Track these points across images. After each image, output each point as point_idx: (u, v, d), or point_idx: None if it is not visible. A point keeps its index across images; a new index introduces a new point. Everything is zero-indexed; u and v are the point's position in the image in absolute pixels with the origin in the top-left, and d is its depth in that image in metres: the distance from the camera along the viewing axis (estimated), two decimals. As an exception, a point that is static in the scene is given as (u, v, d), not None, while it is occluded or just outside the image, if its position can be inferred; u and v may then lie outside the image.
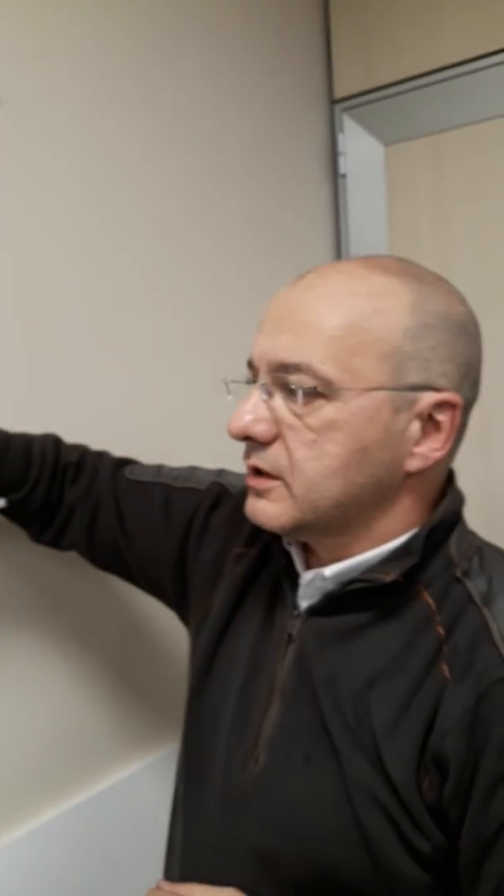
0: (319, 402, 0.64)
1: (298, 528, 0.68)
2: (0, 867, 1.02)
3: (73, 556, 0.99)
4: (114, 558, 0.93)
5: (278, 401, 0.66)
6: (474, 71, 1.48)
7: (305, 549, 0.74)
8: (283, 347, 0.65)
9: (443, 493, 0.72)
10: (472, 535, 0.73)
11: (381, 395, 0.64)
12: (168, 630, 1.21)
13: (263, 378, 0.67)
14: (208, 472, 0.94)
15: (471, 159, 1.50)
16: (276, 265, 1.51)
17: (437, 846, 0.62)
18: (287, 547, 0.75)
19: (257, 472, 0.69)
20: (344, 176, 1.65)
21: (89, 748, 1.16)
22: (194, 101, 1.35)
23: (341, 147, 1.65)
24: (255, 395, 0.67)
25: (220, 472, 0.93)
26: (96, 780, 1.17)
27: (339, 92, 1.65)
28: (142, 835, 1.18)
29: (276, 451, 0.66)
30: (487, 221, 1.49)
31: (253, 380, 0.69)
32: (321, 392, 0.63)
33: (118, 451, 0.99)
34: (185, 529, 0.88)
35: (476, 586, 0.66)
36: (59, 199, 1.11)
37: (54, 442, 0.92)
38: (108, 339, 1.18)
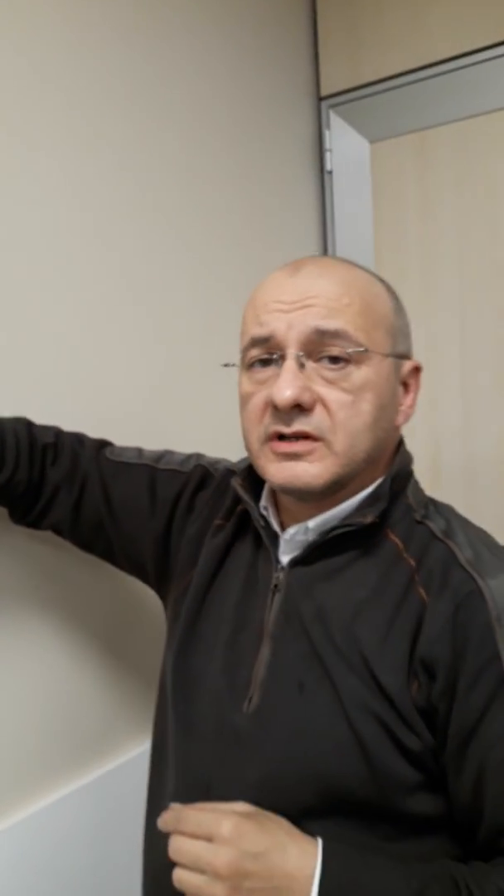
0: (350, 368, 0.73)
1: (335, 483, 0.74)
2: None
3: (57, 539, 0.98)
4: (96, 537, 0.96)
5: (310, 370, 0.73)
6: (459, 68, 1.50)
7: (278, 512, 0.83)
8: (320, 318, 0.72)
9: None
10: (422, 490, 0.84)
11: (389, 360, 0.76)
12: (156, 626, 1.20)
13: (293, 349, 0.73)
14: (186, 455, 0.98)
15: (455, 155, 1.51)
16: (264, 258, 1.52)
17: (427, 744, 0.70)
18: (263, 512, 0.82)
19: (298, 437, 0.74)
20: (330, 172, 1.66)
21: (85, 734, 1.16)
22: (182, 98, 1.35)
23: (328, 143, 1.66)
24: (291, 366, 0.72)
25: (200, 456, 0.97)
26: (92, 765, 1.17)
27: (326, 89, 1.66)
28: (137, 819, 1.18)
29: (319, 415, 0.73)
30: (471, 216, 1.50)
31: (272, 355, 0.75)
32: (354, 357, 0.73)
33: (106, 435, 1.00)
34: (171, 509, 0.92)
35: (437, 525, 0.78)
36: (52, 196, 1.11)
37: (26, 424, 0.93)
38: (100, 329, 1.18)
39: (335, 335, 0.72)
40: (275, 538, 0.81)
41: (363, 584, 0.75)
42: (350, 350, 0.72)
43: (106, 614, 1.19)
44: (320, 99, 1.67)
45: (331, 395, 0.73)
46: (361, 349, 0.72)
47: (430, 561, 0.74)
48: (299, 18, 1.65)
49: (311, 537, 0.78)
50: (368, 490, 0.78)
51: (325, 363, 0.73)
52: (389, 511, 0.77)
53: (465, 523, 0.80)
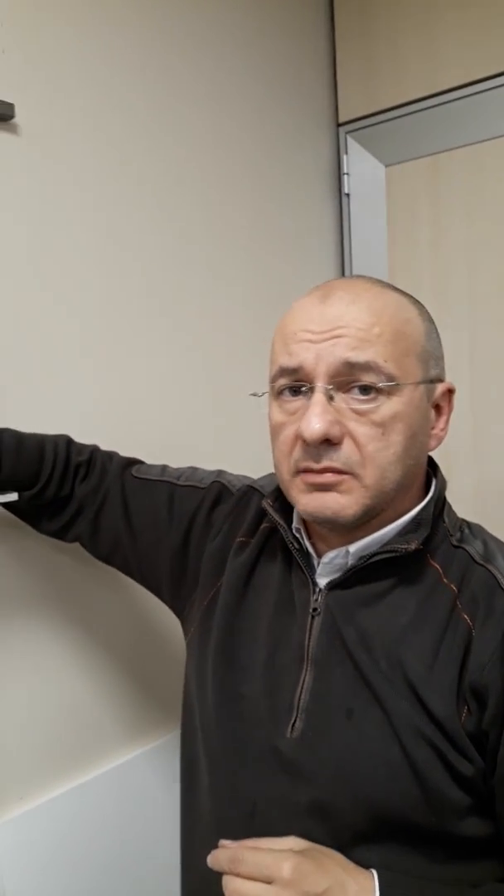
0: (380, 399, 0.72)
1: (365, 514, 0.74)
2: (6, 841, 1.10)
3: (80, 548, 1.06)
4: (114, 550, 1.01)
5: (339, 402, 0.72)
6: (471, 94, 1.56)
7: (309, 534, 0.83)
8: (349, 349, 0.71)
9: (425, 476, 0.83)
10: (454, 512, 0.84)
11: (421, 388, 0.75)
12: (171, 622, 1.28)
13: (323, 382, 0.72)
14: (208, 472, 1.01)
15: (468, 179, 1.57)
16: (284, 280, 1.60)
17: (478, 769, 0.71)
18: (297, 534, 0.82)
19: (327, 471, 0.73)
20: (348, 195, 1.73)
21: (92, 732, 1.24)
22: (205, 124, 1.44)
23: (345, 168, 1.73)
24: (321, 399, 0.72)
25: (220, 473, 1.01)
26: (98, 763, 1.24)
27: (344, 115, 1.73)
28: (140, 814, 1.26)
29: (347, 448, 0.72)
30: (483, 238, 1.56)
31: (301, 387, 0.74)
32: (382, 389, 0.72)
33: (136, 453, 1.07)
34: (189, 524, 0.95)
35: (474, 548, 0.78)
36: (73, 223, 1.20)
37: (66, 441, 1.00)
38: (124, 350, 1.27)
39: (365, 368, 0.71)
40: (308, 560, 0.81)
41: (404, 609, 0.75)
42: (381, 384, 0.71)
43: (113, 623, 1.26)
44: (338, 125, 1.74)
45: (360, 428, 0.72)
46: (393, 383, 0.71)
47: (472, 586, 0.75)
48: (319, 49, 1.73)
49: (350, 561, 0.78)
50: (410, 515, 0.77)
51: (355, 394, 0.72)
52: (430, 536, 0.77)
53: (501, 544, 0.80)
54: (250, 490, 0.94)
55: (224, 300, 1.47)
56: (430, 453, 0.82)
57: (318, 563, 0.80)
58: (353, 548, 0.77)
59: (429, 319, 0.78)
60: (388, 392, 0.72)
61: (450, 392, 0.79)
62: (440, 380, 0.78)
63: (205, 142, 1.44)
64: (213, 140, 1.45)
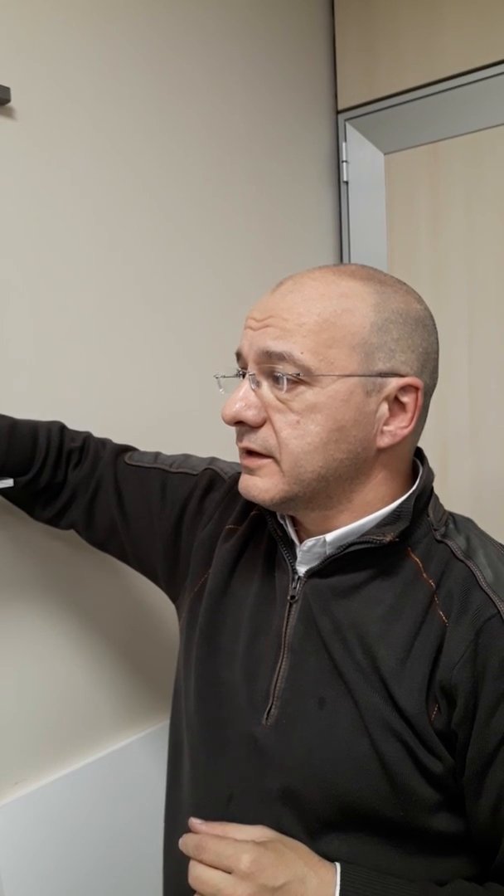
0: (301, 388, 0.72)
1: (287, 499, 0.76)
2: (2, 824, 1.11)
3: (75, 535, 1.07)
4: (109, 537, 1.01)
5: (265, 389, 0.75)
6: (471, 82, 1.55)
7: (294, 523, 0.83)
8: (271, 338, 0.73)
9: (413, 469, 0.82)
10: (442, 505, 0.82)
11: (353, 380, 0.73)
12: (165, 610, 1.28)
13: (252, 369, 0.75)
14: (201, 459, 1.02)
15: (467, 167, 1.56)
16: (283, 267, 1.59)
17: (448, 767, 0.71)
18: (281, 521, 0.83)
19: (249, 452, 0.77)
20: (347, 183, 1.73)
21: (87, 719, 1.24)
22: (204, 111, 1.43)
23: (344, 155, 1.72)
24: (245, 385, 0.76)
25: (213, 460, 1.01)
26: (93, 749, 1.25)
27: (343, 103, 1.72)
28: (133, 800, 1.27)
29: (264, 432, 0.75)
30: (482, 227, 1.56)
31: (241, 372, 0.78)
32: (302, 379, 0.72)
33: (127, 440, 1.07)
34: (180, 510, 0.96)
35: (457, 544, 0.77)
36: (69, 208, 1.19)
37: (59, 428, 1.00)
38: (119, 338, 1.27)
39: (279, 358, 0.72)
40: (291, 548, 0.82)
41: (380, 601, 0.75)
42: (291, 373, 0.72)
43: (108, 611, 1.27)
44: (338, 112, 1.73)
45: (276, 415, 0.74)
46: (297, 373, 0.72)
47: (449, 582, 0.74)
48: (318, 36, 1.71)
49: (328, 550, 0.78)
50: (391, 507, 0.77)
51: (275, 384, 0.74)
52: (411, 530, 0.76)
53: (486, 541, 0.79)
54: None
55: (221, 288, 1.47)
56: (421, 446, 0.82)
57: (299, 552, 0.81)
58: (329, 537, 0.77)
59: (393, 311, 0.74)
60: (307, 382, 0.72)
61: (414, 388, 0.75)
62: (395, 374, 0.74)
63: (203, 129, 1.43)
64: (210, 127, 1.45)
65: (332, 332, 0.72)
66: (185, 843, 0.72)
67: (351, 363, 0.73)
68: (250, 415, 0.75)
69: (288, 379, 0.72)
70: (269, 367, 0.74)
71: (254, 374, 0.75)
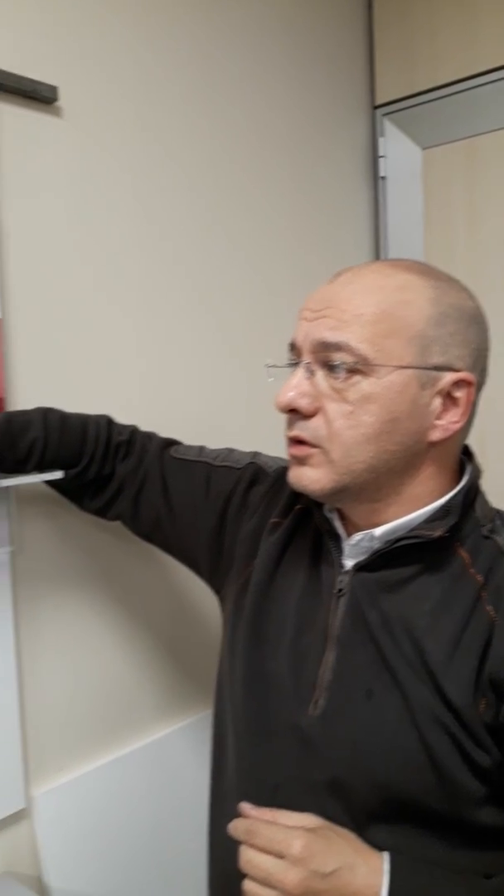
0: (357, 378, 0.73)
1: (336, 490, 0.76)
2: (47, 809, 1.13)
3: (125, 530, 1.08)
4: (154, 529, 1.03)
5: (319, 378, 0.75)
6: (510, 76, 1.54)
7: (341, 516, 0.83)
8: (327, 329, 0.74)
9: (460, 465, 0.82)
10: (488, 501, 0.83)
11: (408, 372, 0.73)
12: (207, 603, 1.30)
13: (306, 358, 0.76)
14: (244, 453, 1.03)
15: (504, 161, 1.56)
16: (320, 262, 1.60)
17: (495, 760, 0.71)
18: (328, 514, 0.84)
19: (298, 442, 0.77)
20: (384, 178, 1.73)
21: (129, 708, 1.27)
22: (243, 106, 1.44)
23: (382, 150, 1.72)
24: (299, 373, 0.76)
25: (256, 454, 1.02)
26: (134, 737, 1.28)
27: (381, 98, 1.72)
28: (174, 788, 1.29)
29: (316, 422, 0.75)
30: (520, 221, 1.55)
31: (295, 361, 0.78)
32: (358, 368, 0.72)
33: (172, 433, 1.09)
34: (224, 503, 0.97)
35: None
36: (113, 203, 1.21)
37: (107, 421, 1.02)
38: (162, 334, 1.29)
39: (337, 347, 0.73)
40: (337, 541, 0.82)
41: (428, 596, 0.75)
42: (349, 364, 0.72)
43: (153, 604, 1.29)
44: (375, 107, 1.73)
45: (331, 405, 0.74)
46: (354, 362, 0.72)
47: (497, 578, 0.74)
48: (356, 31, 1.72)
49: (376, 545, 0.78)
50: (440, 502, 0.77)
51: (332, 372, 0.74)
52: (459, 525, 0.76)
53: None
54: (286, 471, 0.94)
55: (260, 282, 1.48)
56: (467, 442, 0.82)
57: (346, 545, 0.81)
58: (378, 531, 0.78)
59: (450, 306, 0.75)
60: (364, 372, 0.72)
61: (467, 384, 0.75)
62: (449, 368, 0.74)
63: (241, 124, 1.44)
64: (249, 122, 1.46)
65: (389, 323, 0.73)
66: (236, 827, 0.73)
67: (407, 355, 0.73)
68: (304, 403, 0.75)
69: (345, 368, 0.73)
70: (325, 356, 0.74)
71: (308, 364, 0.76)
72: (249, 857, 0.70)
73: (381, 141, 1.72)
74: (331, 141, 1.65)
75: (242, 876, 0.71)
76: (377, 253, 1.74)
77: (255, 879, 0.69)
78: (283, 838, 0.69)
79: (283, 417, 0.80)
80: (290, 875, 0.67)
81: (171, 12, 1.30)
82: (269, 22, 1.50)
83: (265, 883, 0.68)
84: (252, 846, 0.70)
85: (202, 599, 1.32)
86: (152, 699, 1.30)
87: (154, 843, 1.26)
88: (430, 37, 1.63)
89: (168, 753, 1.30)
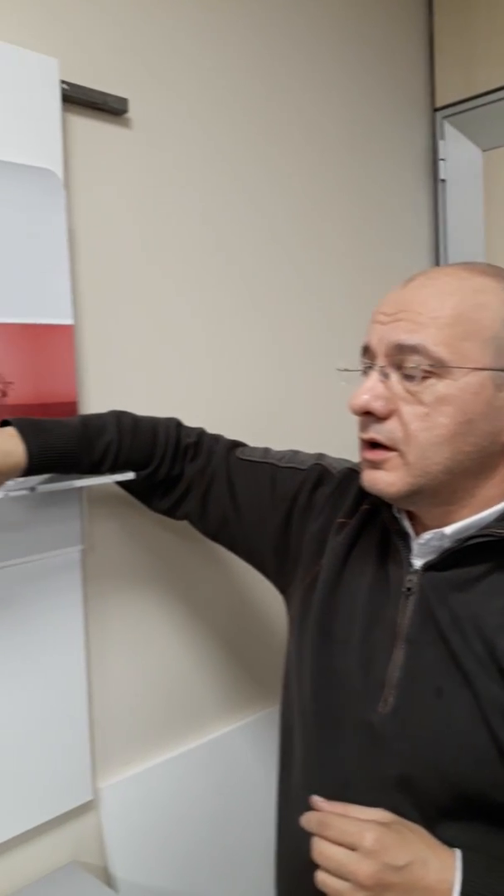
0: (432, 381, 0.73)
1: (412, 493, 0.76)
2: (113, 801, 1.17)
3: (190, 530, 1.11)
4: (221, 528, 1.05)
5: (394, 381, 0.75)
6: None
7: (409, 516, 0.84)
8: (403, 332, 0.74)
9: None
10: None
11: (484, 374, 0.74)
12: (270, 600, 1.32)
13: (381, 361, 0.76)
14: (309, 455, 1.04)
15: None
16: (379, 265, 1.61)
17: None
18: (397, 514, 0.84)
19: (373, 445, 0.78)
20: (444, 181, 1.72)
21: (193, 704, 1.30)
22: (304, 111, 1.46)
23: (441, 153, 1.72)
24: (374, 376, 0.76)
25: (321, 456, 1.03)
26: (198, 734, 1.30)
27: (441, 100, 1.72)
28: (235, 784, 1.32)
29: (391, 424, 0.76)
30: None
31: (368, 365, 0.79)
32: (435, 371, 0.73)
33: (238, 435, 1.11)
34: (290, 504, 0.98)
35: None
36: (183, 210, 1.24)
37: (176, 424, 1.05)
38: (230, 335, 1.31)
39: (413, 350, 0.73)
40: (405, 540, 0.83)
41: (500, 595, 0.75)
42: (425, 364, 0.73)
43: (217, 604, 1.32)
44: (435, 110, 1.73)
45: (406, 407, 0.75)
46: (430, 365, 0.73)
47: None
48: (416, 33, 1.72)
49: (446, 544, 0.79)
50: None
51: (406, 375, 0.74)
52: None
53: None
54: (351, 472, 0.96)
55: (322, 286, 1.49)
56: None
57: (415, 544, 0.82)
58: (448, 530, 0.78)
59: None
60: (439, 374, 0.73)
61: None
62: None
63: (302, 130, 1.46)
64: (310, 128, 1.47)
65: (465, 325, 0.73)
66: (309, 819, 0.73)
67: (483, 357, 0.73)
68: (379, 405, 0.75)
69: (421, 371, 0.73)
70: (401, 359, 0.75)
71: (383, 367, 0.76)
72: (322, 849, 0.71)
73: (440, 143, 1.72)
74: (391, 144, 1.66)
75: (312, 869, 0.72)
76: (437, 256, 1.74)
77: (327, 870, 0.70)
78: (355, 831, 0.70)
79: (349, 419, 0.80)
80: (363, 867, 0.68)
81: (232, 24, 1.32)
82: (328, 28, 1.51)
83: (338, 874, 0.69)
84: (325, 838, 0.71)
85: (264, 599, 1.34)
86: (215, 697, 1.32)
87: (217, 836, 1.29)
88: (489, 39, 1.63)
89: (230, 750, 1.32)
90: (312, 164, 1.48)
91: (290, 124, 1.44)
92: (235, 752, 1.32)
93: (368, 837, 0.69)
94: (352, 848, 0.69)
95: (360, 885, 0.68)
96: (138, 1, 1.18)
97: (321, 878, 0.71)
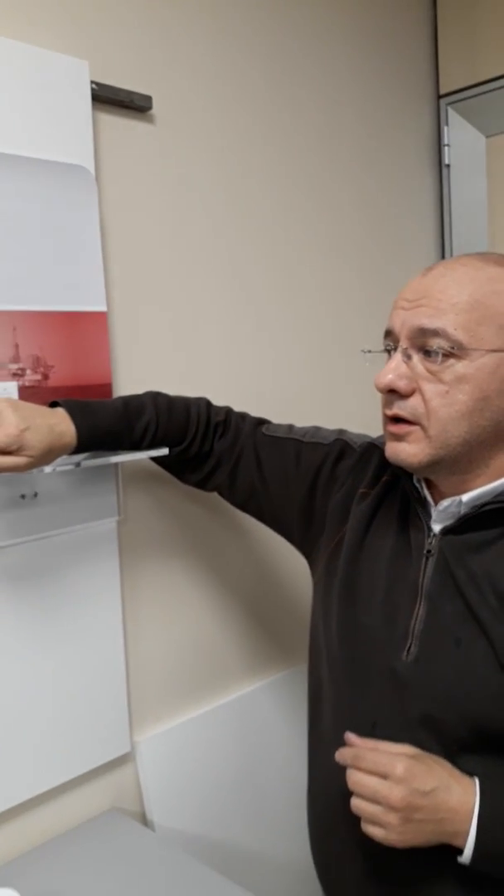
0: (451, 361, 0.81)
1: (433, 463, 0.84)
2: (148, 753, 1.26)
3: (216, 502, 1.20)
4: (249, 499, 1.14)
5: (416, 361, 0.83)
6: None
7: (428, 485, 0.92)
8: (425, 317, 0.82)
9: None
10: None
11: (499, 355, 0.81)
12: (293, 567, 1.41)
13: (404, 343, 0.84)
14: (330, 430, 1.12)
15: None
16: (385, 251, 1.68)
17: None
18: (416, 483, 0.93)
19: (396, 420, 0.85)
20: (448, 166, 1.79)
21: (220, 665, 1.39)
22: (315, 100, 1.53)
23: (446, 139, 1.78)
24: (397, 357, 0.84)
25: (342, 431, 1.11)
26: (225, 692, 1.40)
27: (445, 87, 1.78)
28: (260, 739, 1.42)
29: (413, 401, 0.83)
30: None
31: (392, 347, 0.86)
32: (454, 352, 0.81)
33: (262, 413, 1.19)
34: (314, 476, 1.07)
35: None
36: (207, 200, 1.32)
37: (206, 404, 1.13)
38: (253, 321, 1.40)
39: (434, 333, 0.81)
40: (425, 507, 0.91)
41: None
42: (445, 346, 0.80)
43: (242, 569, 1.41)
44: (439, 97, 1.79)
45: (428, 385, 0.82)
46: (450, 346, 0.80)
47: None
48: (420, 21, 1.78)
49: (463, 510, 0.87)
50: None
51: (427, 356, 0.82)
52: None
53: None
54: (371, 446, 1.05)
55: (333, 271, 1.57)
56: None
57: (434, 511, 0.90)
58: (465, 497, 0.86)
59: None
60: (458, 356, 0.80)
61: None
62: None
63: (313, 117, 1.53)
64: (319, 114, 1.54)
65: (481, 311, 0.81)
66: (343, 754, 0.82)
67: (498, 339, 0.81)
68: (402, 384, 0.83)
69: (441, 352, 0.81)
70: (422, 342, 0.82)
71: (405, 348, 0.84)
72: (357, 779, 0.80)
73: (445, 130, 1.79)
74: (395, 130, 1.72)
75: (344, 799, 0.82)
76: (442, 240, 1.81)
77: (362, 797, 0.80)
78: (387, 761, 0.79)
79: (367, 398, 0.88)
80: (394, 792, 0.77)
81: (245, 21, 1.39)
82: (335, 18, 1.57)
83: (372, 800, 0.78)
84: (359, 769, 0.80)
85: (287, 567, 1.43)
86: (241, 657, 1.42)
87: (244, 783, 1.39)
88: (493, 27, 1.69)
89: (255, 707, 1.42)
90: (324, 151, 1.55)
91: (303, 115, 1.51)
92: (260, 708, 1.42)
93: (399, 767, 0.78)
94: (384, 776, 0.78)
95: (391, 807, 0.77)
96: (159, 3, 1.24)
97: (356, 803, 0.80)
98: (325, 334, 1.53)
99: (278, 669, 1.46)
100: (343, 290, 1.57)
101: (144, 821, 1.27)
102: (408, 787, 0.77)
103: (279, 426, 1.14)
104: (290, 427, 1.13)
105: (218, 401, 1.17)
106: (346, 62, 1.60)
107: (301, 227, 1.50)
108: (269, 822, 1.39)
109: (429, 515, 0.91)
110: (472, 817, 0.78)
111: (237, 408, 1.18)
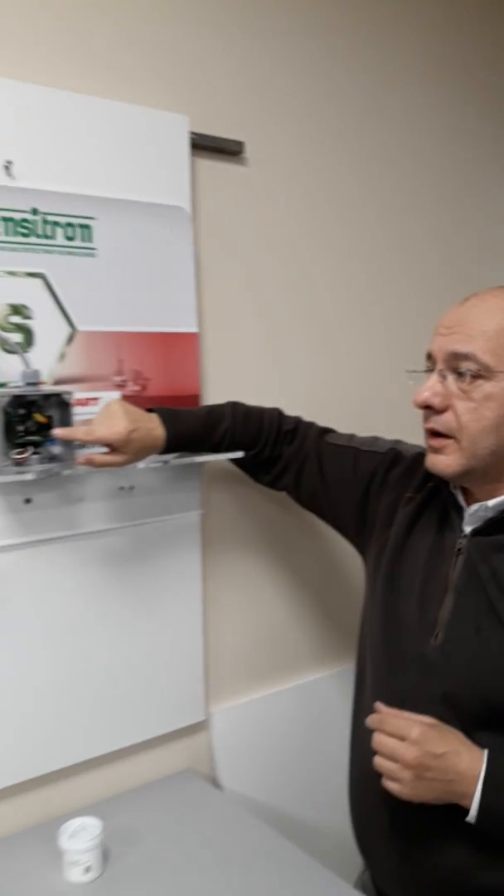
0: (480, 382, 0.93)
1: (465, 472, 0.97)
2: (221, 722, 1.42)
3: (289, 502, 1.34)
4: (312, 499, 1.28)
5: (450, 381, 0.95)
6: None
7: (464, 492, 1.04)
8: (458, 343, 0.94)
9: None
10: None
11: None
12: (354, 568, 1.53)
13: (440, 365, 0.96)
14: (387, 441, 1.25)
15: None
16: (460, 288, 1.78)
17: None
18: (453, 490, 1.05)
19: (434, 434, 0.97)
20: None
21: (288, 652, 1.54)
22: (406, 131, 1.66)
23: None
24: (434, 377, 0.97)
25: (397, 442, 1.24)
26: (291, 678, 1.55)
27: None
28: (319, 722, 1.56)
29: (447, 417, 0.96)
30: None
31: (430, 368, 0.99)
32: (482, 374, 0.92)
33: (329, 423, 1.32)
34: (368, 482, 1.19)
35: None
36: (291, 233, 1.47)
37: (278, 413, 1.28)
38: (329, 343, 1.54)
39: (465, 357, 0.93)
40: (460, 512, 1.03)
41: None
42: (474, 369, 0.92)
43: (312, 566, 1.55)
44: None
45: (459, 402, 0.94)
46: (478, 369, 0.92)
47: None
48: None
49: (490, 514, 0.98)
50: None
51: (460, 377, 0.94)
52: None
53: None
54: (420, 456, 1.15)
55: (406, 301, 1.69)
56: None
57: (466, 514, 1.01)
58: (491, 502, 0.98)
59: None
60: (486, 377, 0.92)
61: None
62: None
63: (400, 139, 1.65)
64: (405, 135, 1.66)
65: None
66: (371, 719, 0.96)
67: None
68: (437, 401, 0.95)
69: (471, 374, 0.93)
70: (455, 364, 0.94)
71: (441, 370, 0.96)
72: (380, 740, 0.93)
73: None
74: (478, 169, 1.82)
75: (373, 771, 0.94)
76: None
77: (382, 755, 0.93)
78: (405, 726, 0.92)
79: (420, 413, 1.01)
80: (409, 752, 0.90)
81: (332, 62, 1.53)
82: (435, 22, 1.69)
83: (390, 758, 0.92)
84: (382, 731, 0.94)
85: (352, 566, 1.55)
86: (307, 647, 1.56)
87: (302, 762, 1.53)
88: None
89: (319, 694, 1.56)
90: (410, 183, 1.67)
91: (390, 145, 1.63)
92: (320, 696, 1.56)
93: (415, 730, 0.91)
94: (402, 738, 0.91)
95: (406, 765, 0.90)
96: (250, 55, 1.40)
97: (377, 761, 0.93)
98: (393, 356, 1.63)
99: (342, 662, 1.59)
100: (419, 315, 1.68)
101: (214, 782, 1.42)
102: (421, 749, 0.89)
103: (341, 435, 1.28)
104: (352, 436, 1.27)
105: (292, 411, 1.32)
106: (441, 66, 1.71)
107: (379, 261, 1.63)
108: (321, 796, 1.52)
109: (462, 519, 1.03)
110: (478, 781, 0.89)
111: (309, 417, 1.33)
